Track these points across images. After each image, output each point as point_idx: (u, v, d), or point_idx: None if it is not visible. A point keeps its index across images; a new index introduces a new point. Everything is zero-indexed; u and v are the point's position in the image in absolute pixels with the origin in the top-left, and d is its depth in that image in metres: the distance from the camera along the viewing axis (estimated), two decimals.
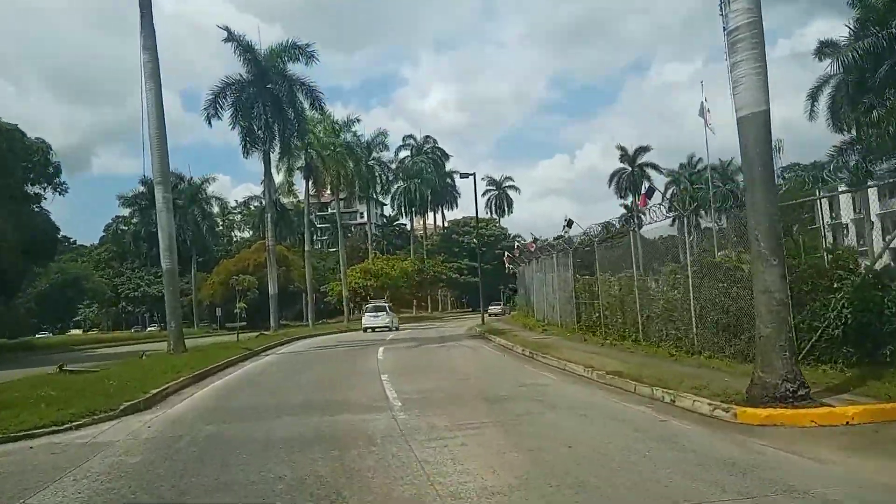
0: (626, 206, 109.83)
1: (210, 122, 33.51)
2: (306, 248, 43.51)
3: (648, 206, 15.63)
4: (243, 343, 23.42)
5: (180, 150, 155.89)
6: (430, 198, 73.80)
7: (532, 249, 31.05)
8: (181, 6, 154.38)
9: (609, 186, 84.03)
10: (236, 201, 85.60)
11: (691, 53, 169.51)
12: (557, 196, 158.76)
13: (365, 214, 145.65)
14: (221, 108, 33.80)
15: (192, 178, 64.06)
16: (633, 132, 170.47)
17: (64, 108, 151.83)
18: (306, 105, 35.45)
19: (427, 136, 78.37)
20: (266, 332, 29.48)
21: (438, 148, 79.11)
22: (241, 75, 34.30)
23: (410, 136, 77.29)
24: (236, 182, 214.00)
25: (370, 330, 34.02)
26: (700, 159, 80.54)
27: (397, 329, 35.67)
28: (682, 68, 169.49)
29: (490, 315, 64.57)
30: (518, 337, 20.62)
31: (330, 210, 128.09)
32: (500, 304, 64.02)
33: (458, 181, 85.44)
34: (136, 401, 10.13)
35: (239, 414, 9.34)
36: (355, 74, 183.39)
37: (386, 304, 39.09)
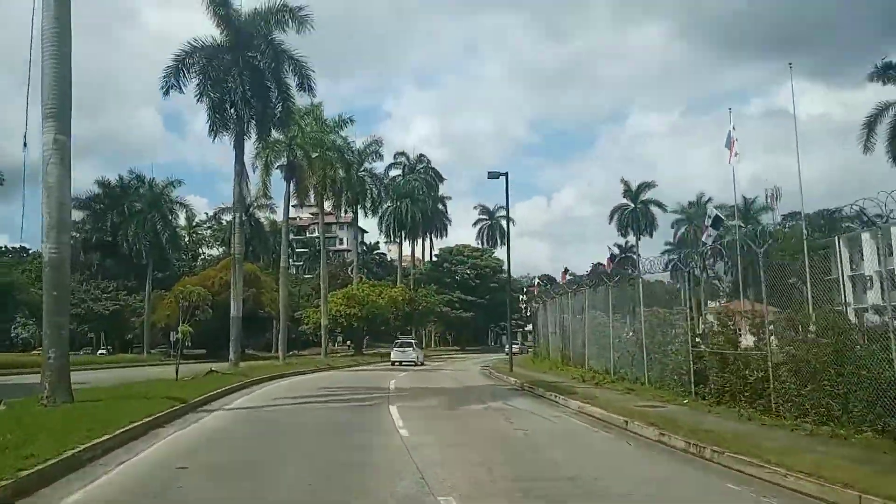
0: (619, 246, 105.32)
1: (168, 92, 26.15)
2: (282, 264, 35.57)
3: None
4: (181, 386, 15.73)
5: (153, 169, 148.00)
6: (420, 221, 66.40)
7: (613, 266, 23.90)
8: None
9: (609, 223, 79.12)
10: (207, 214, 77.33)
11: (670, 105, 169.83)
12: (531, 238, 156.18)
13: (345, 240, 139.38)
14: (186, 76, 26.57)
15: (153, 180, 55.83)
16: (610, 178, 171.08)
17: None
18: (293, 83, 28.28)
19: (421, 155, 71.47)
20: (216, 370, 21.52)
21: (432, 168, 72.21)
22: (214, 38, 27.17)
23: (402, 154, 70.12)
24: (213, 204, 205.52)
25: (398, 364, 35.02)
26: (710, 198, 75.51)
27: (423, 364, 36.22)
28: (660, 119, 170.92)
29: (506, 354, 58.73)
30: (610, 403, 13.24)
31: (308, 234, 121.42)
32: (518, 343, 60.73)
33: (450, 207, 79.05)
34: None
35: None
36: (338, 103, 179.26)
37: (413, 341, 39.86)
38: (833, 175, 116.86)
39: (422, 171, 70.53)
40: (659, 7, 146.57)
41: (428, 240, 78.45)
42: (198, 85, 26.15)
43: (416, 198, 65.16)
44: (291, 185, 35.30)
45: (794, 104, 27.36)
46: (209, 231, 76.83)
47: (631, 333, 17.24)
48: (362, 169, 50.76)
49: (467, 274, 69.11)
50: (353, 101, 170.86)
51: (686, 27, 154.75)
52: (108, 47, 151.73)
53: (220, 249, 72.39)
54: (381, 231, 65.93)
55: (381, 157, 50.33)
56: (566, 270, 43.63)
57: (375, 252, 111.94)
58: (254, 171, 35.12)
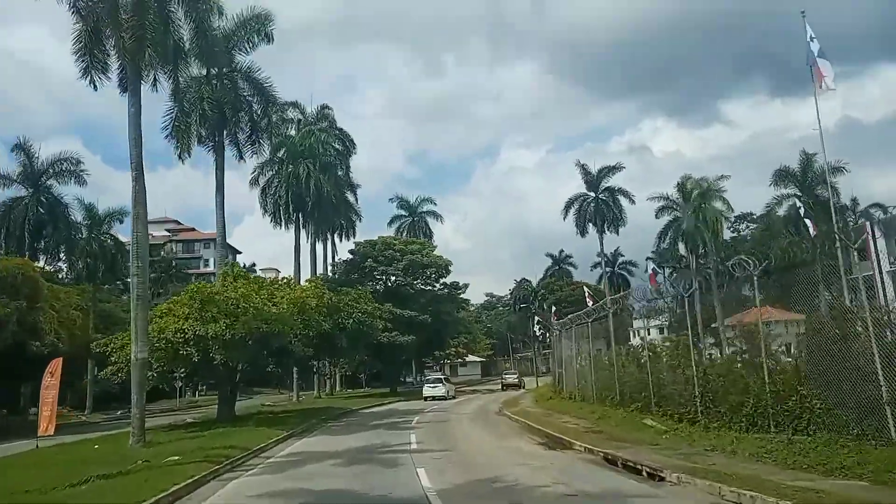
0: (552, 256, 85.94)
1: None
2: None
3: None
4: None
5: None
6: (328, 197, 42.42)
7: None
8: None
9: (564, 219, 59.37)
10: None
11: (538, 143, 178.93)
12: None
13: (210, 261, 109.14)
14: None
15: None
16: (485, 210, 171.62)
17: None
18: None
19: (324, 107, 47.98)
20: None
21: (339, 129, 48.76)
22: None
23: (295, 106, 45.62)
24: None
25: (430, 399, 34.81)
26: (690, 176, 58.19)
27: (454, 398, 35.98)
28: (530, 154, 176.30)
29: (504, 387, 46.69)
30: None
31: (163, 254, 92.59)
32: (514, 374, 51.08)
33: (361, 198, 56.15)
34: None
35: None
36: None
37: (442, 377, 40.34)
38: None
39: (326, 129, 47.13)
40: (530, 46, 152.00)
41: (329, 241, 53.84)
42: None
43: (323, 160, 41.59)
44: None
45: None
46: None
47: None
48: (233, 68, 27.23)
49: (402, 279, 45.49)
50: None
51: (556, 66, 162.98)
52: None
53: None
54: (267, 211, 41.31)
55: (269, 39, 26.79)
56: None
57: (250, 268, 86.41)
58: None
